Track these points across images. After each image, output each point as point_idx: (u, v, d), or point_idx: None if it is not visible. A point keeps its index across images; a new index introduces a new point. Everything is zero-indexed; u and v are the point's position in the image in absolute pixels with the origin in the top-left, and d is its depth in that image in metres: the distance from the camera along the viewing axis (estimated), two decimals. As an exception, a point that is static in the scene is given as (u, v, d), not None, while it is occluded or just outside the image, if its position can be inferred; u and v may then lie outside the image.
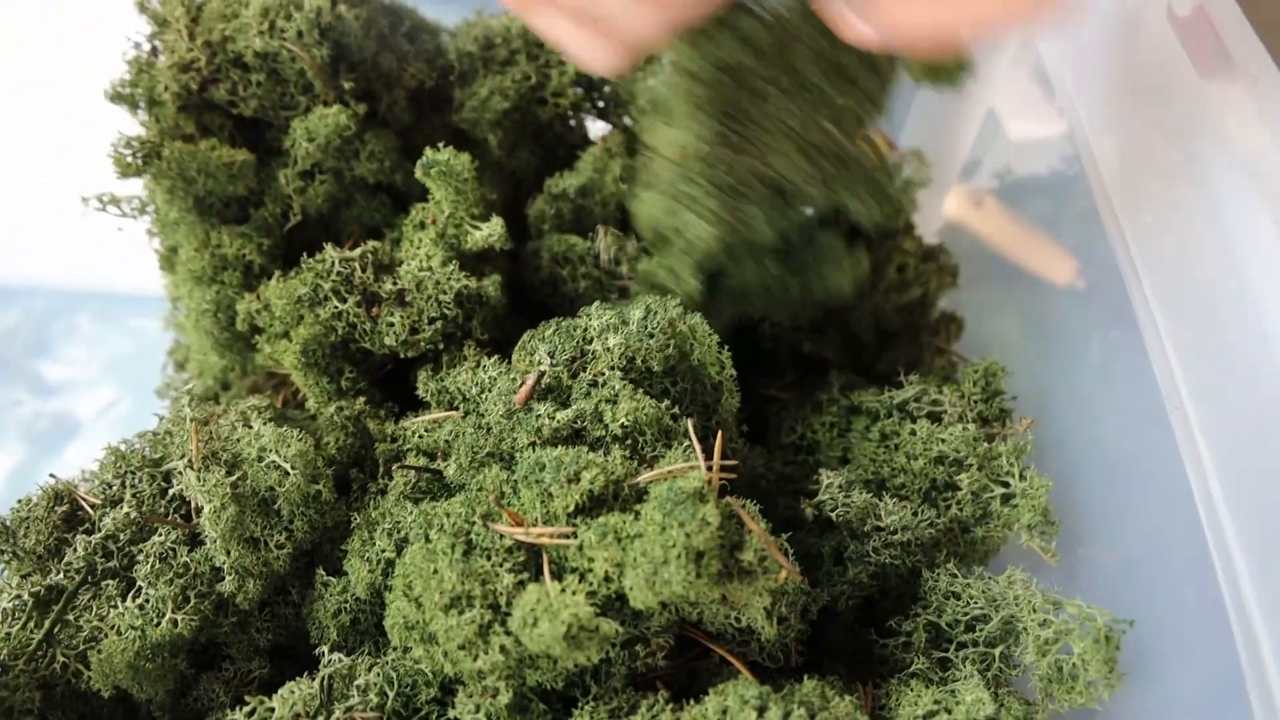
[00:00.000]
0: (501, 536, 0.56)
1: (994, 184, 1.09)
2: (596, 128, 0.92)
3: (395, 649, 0.62)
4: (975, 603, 0.64)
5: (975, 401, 0.74)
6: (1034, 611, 0.62)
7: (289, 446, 0.61)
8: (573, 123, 0.87)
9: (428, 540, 0.58)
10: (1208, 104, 0.66)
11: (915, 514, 0.68)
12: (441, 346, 0.71)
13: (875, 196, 0.72)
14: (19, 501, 0.69)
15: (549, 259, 0.78)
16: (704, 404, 0.69)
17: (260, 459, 0.63)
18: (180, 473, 0.66)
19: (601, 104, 0.87)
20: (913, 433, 0.72)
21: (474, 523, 0.57)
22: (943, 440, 0.70)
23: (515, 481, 0.59)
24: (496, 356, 0.69)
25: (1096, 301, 0.92)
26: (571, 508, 0.56)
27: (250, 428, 0.64)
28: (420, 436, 0.68)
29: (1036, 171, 1.13)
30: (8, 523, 0.67)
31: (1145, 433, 0.67)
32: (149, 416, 1.09)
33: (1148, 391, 0.65)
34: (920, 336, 0.90)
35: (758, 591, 0.56)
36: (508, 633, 0.54)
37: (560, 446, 0.60)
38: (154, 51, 0.81)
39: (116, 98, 0.79)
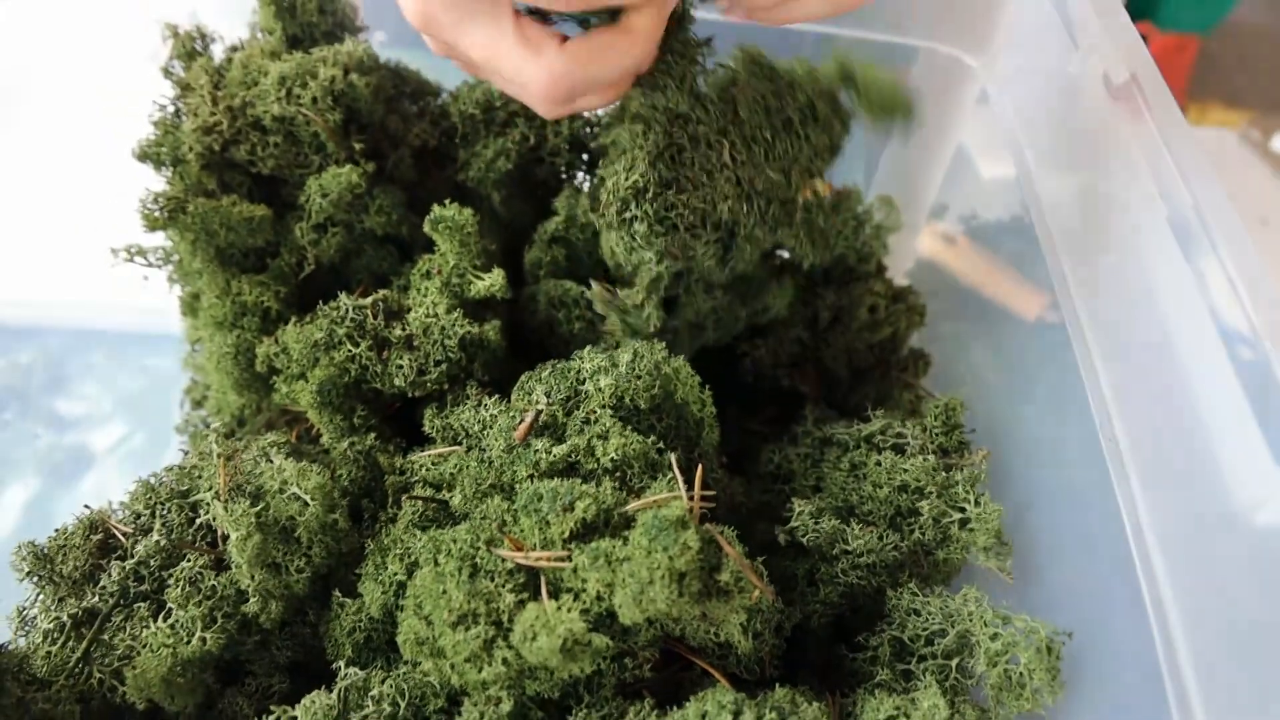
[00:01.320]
0: (503, 560, 0.63)
1: (964, 223, 1.17)
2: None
3: (406, 663, 0.68)
4: (934, 619, 0.70)
5: (936, 434, 0.81)
6: (985, 625, 0.68)
7: (308, 479, 0.67)
8: (564, 177, 0.94)
9: (436, 564, 0.64)
10: (1133, 156, 0.73)
11: (880, 538, 0.75)
12: (446, 387, 0.78)
13: (813, 239, 0.80)
14: (56, 531, 0.75)
15: (545, 303, 0.85)
16: (687, 438, 0.76)
17: (281, 491, 0.69)
18: (207, 504, 0.72)
19: (588, 158, 0.94)
20: (878, 463, 0.79)
21: (479, 548, 0.63)
22: (905, 470, 0.77)
23: (515, 510, 0.66)
24: (497, 396, 0.76)
25: (1049, 337, 0.99)
26: (567, 534, 0.63)
27: (271, 462, 0.70)
28: (427, 470, 0.74)
29: (1004, 210, 1.21)
30: (45, 550, 0.73)
31: (1085, 461, 0.73)
32: (161, 450, 1.16)
33: (1086, 422, 0.72)
34: (890, 373, 0.96)
35: (734, 609, 0.63)
36: (509, 647, 0.60)
37: (556, 479, 0.66)
38: (178, 114, 0.88)
39: (144, 156, 0.86)
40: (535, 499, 0.64)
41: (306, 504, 0.68)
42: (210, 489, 0.72)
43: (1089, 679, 0.69)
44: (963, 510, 0.76)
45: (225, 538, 0.70)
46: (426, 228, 0.80)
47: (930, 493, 0.76)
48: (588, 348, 0.75)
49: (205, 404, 0.96)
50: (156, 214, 0.82)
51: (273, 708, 0.62)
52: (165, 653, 0.66)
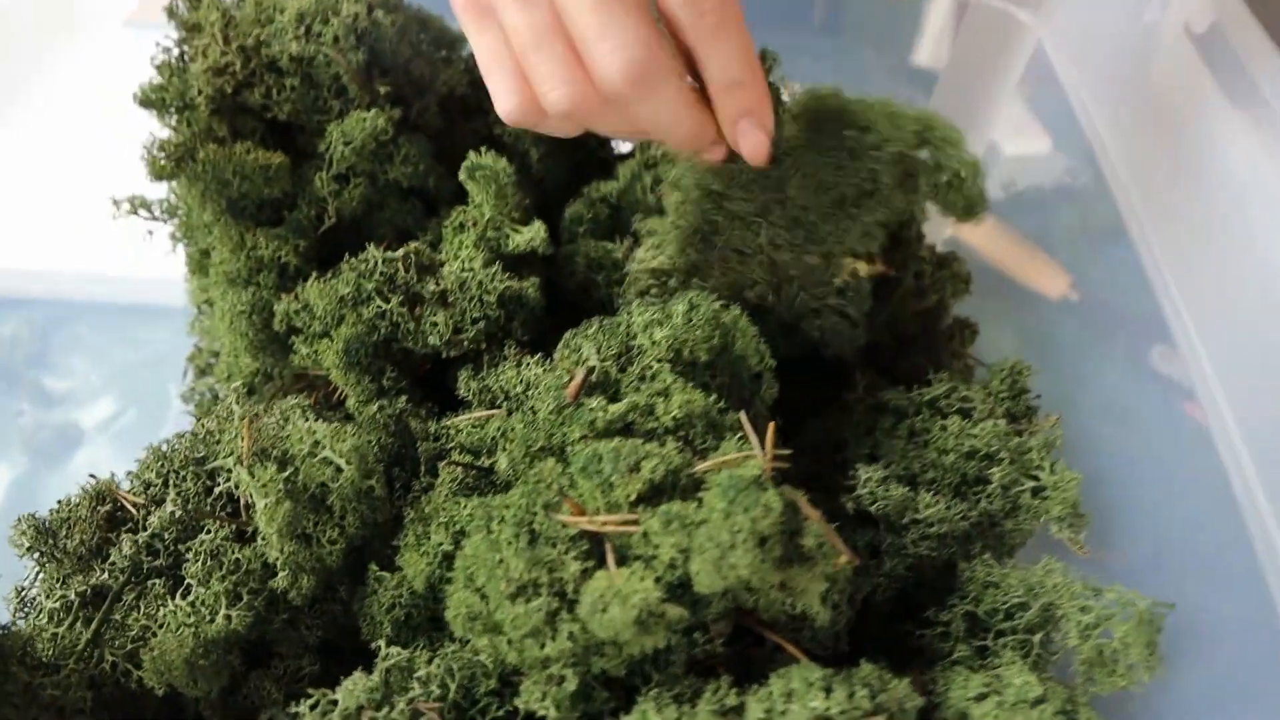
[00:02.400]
0: (564, 526, 0.57)
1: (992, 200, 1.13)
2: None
3: (453, 641, 0.62)
4: (1014, 592, 0.66)
5: (1002, 399, 0.77)
6: (1074, 598, 0.63)
7: (343, 441, 0.61)
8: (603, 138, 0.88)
9: (489, 532, 0.58)
10: (1226, 118, 0.69)
11: (948, 507, 0.70)
12: (483, 346, 0.72)
13: (839, 329, 0.76)
14: (59, 503, 0.68)
15: (584, 264, 0.79)
16: (741, 397, 0.71)
17: (312, 454, 0.63)
18: (227, 471, 0.66)
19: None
20: (944, 429, 0.74)
21: (535, 513, 0.58)
22: (974, 435, 0.72)
23: (572, 473, 0.60)
24: (540, 354, 0.70)
25: (1096, 312, 0.95)
26: (634, 496, 0.57)
27: (297, 425, 0.64)
28: (466, 434, 0.69)
29: (1032, 187, 1.17)
30: (47, 524, 0.67)
31: (1166, 432, 0.69)
32: (155, 428, 1.09)
33: (1161, 389, 0.68)
34: (936, 341, 0.92)
35: (816, 577, 0.57)
36: (575, 619, 0.54)
37: (615, 439, 0.61)
38: (183, 57, 0.81)
39: (146, 102, 0.79)
40: (595, 460, 0.59)
41: (340, 469, 0.62)
42: (230, 454, 0.66)
43: (1186, 654, 0.64)
44: (1036, 478, 0.71)
45: (249, 507, 0.64)
46: (462, 176, 0.74)
47: (1002, 459, 0.71)
48: (635, 301, 0.69)
49: (213, 370, 0.90)
50: (163, 162, 0.76)
51: (310, 690, 0.57)
52: (186, 633, 0.60)
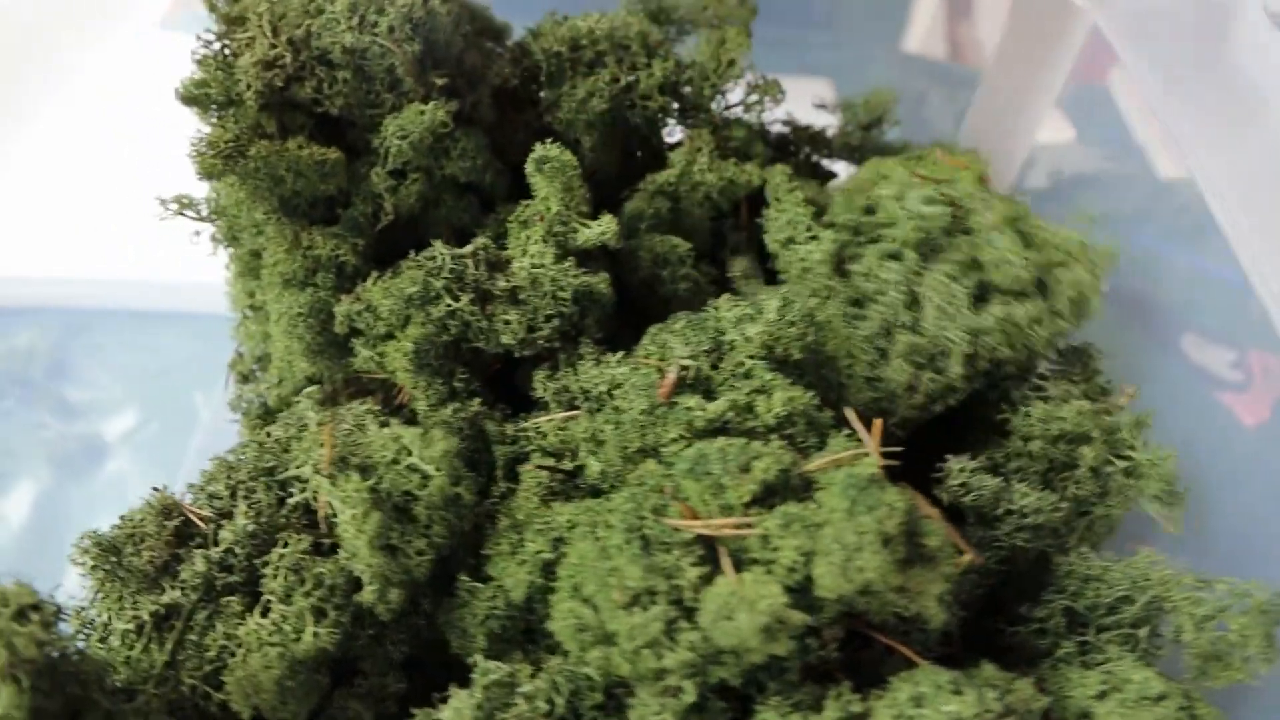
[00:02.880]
0: (676, 531, 0.55)
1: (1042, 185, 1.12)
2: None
3: (550, 654, 0.60)
4: (1118, 585, 0.64)
5: (1076, 381, 0.75)
6: (1183, 590, 0.62)
7: (432, 447, 0.59)
8: (656, 122, 0.86)
9: (596, 539, 0.56)
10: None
11: (1040, 496, 0.68)
12: (557, 344, 0.70)
13: None
14: (122, 518, 0.65)
15: (650, 259, 0.77)
16: (828, 398, 0.68)
17: (396, 462, 0.60)
18: (301, 481, 0.63)
19: (681, 108, 0.86)
20: (1026, 415, 0.72)
21: (644, 518, 0.55)
22: (1060, 419, 0.71)
23: (675, 476, 0.58)
24: (622, 353, 0.68)
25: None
26: (747, 498, 0.55)
27: (379, 431, 0.62)
28: (546, 437, 0.66)
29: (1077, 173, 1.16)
30: (113, 540, 0.63)
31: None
32: (182, 437, 1.05)
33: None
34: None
35: (936, 578, 0.55)
36: (695, 628, 0.52)
37: (721, 439, 0.58)
38: (225, 51, 0.78)
39: (189, 99, 0.76)
40: (702, 461, 0.57)
41: (429, 475, 0.59)
42: (303, 464, 0.63)
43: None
44: (1129, 457, 0.69)
45: (329, 518, 0.61)
46: (530, 168, 0.71)
47: (1094, 439, 0.70)
48: (724, 296, 0.67)
49: (256, 378, 0.86)
50: (212, 158, 0.72)
51: (414, 710, 0.54)
52: (273, 653, 0.57)
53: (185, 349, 1.13)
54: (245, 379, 0.88)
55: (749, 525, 0.54)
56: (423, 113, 0.73)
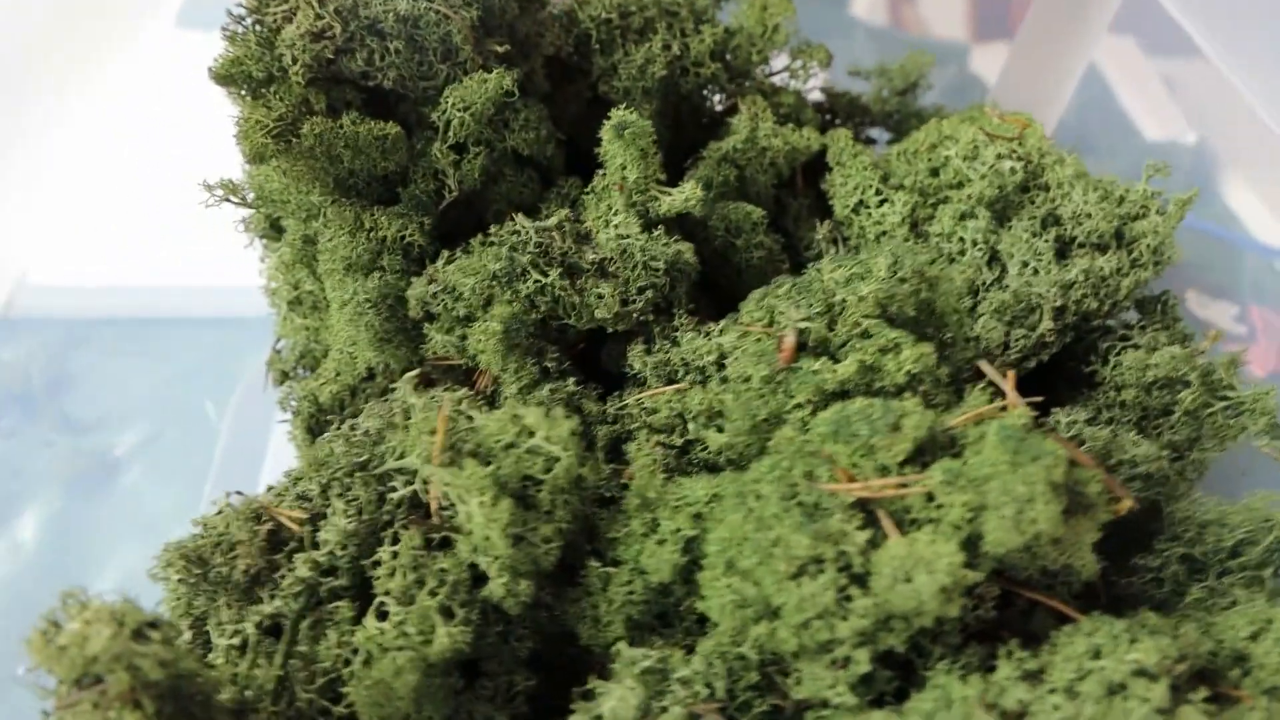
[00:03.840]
0: (833, 495, 0.52)
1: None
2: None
3: (689, 635, 0.57)
4: (1239, 528, 0.64)
5: (1161, 329, 0.75)
6: (1307, 527, 0.62)
7: (559, 426, 0.55)
8: (706, 93, 0.83)
9: (749, 509, 0.53)
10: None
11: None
12: (650, 318, 0.66)
13: None
14: (202, 526, 0.60)
15: (723, 228, 0.74)
16: (940, 355, 0.67)
17: (514, 445, 0.56)
18: (406, 473, 0.58)
19: (729, 75, 0.84)
20: (1117, 365, 0.72)
21: (796, 485, 0.53)
22: (1154, 365, 0.70)
23: (814, 441, 0.55)
24: (725, 321, 0.65)
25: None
26: (901, 457, 0.53)
27: (496, 415, 0.58)
28: (656, 413, 0.63)
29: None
30: (197, 551, 0.58)
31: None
32: (201, 446, 0.99)
33: None
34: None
35: (1093, 526, 0.54)
36: (867, 594, 0.50)
37: (855, 400, 0.56)
38: (258, 25, 0.73)
39: (226, 77, 0.70)
40: (845, 424, 0.54)
41: (554, 457, 0.55)
42: (402, 455, 0.59)
43: None
44: (1228, 397, 0.69)
45: (443, 511, 0.57)
46: (607, 135, 0.68)
47: (1191, 382, 0.69)
48: (826, 257, 0.65)
49: (297, 375, 0.81)
50: (261, 139, 0.67)
51: (574, 706, 0.50)
52: (404, 658, 0.52)
53: (190, 357, 1.07)
54: (285, 376, 0.83)
55: (910, 484, 0.52)
56: (485, 81, 0.69)
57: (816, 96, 0.94)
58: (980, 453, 0.52)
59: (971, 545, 0.51)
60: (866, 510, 0.53)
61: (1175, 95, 1.42)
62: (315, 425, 0.76)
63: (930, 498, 0.52)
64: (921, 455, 0.54)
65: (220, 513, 0.61)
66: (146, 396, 1.01)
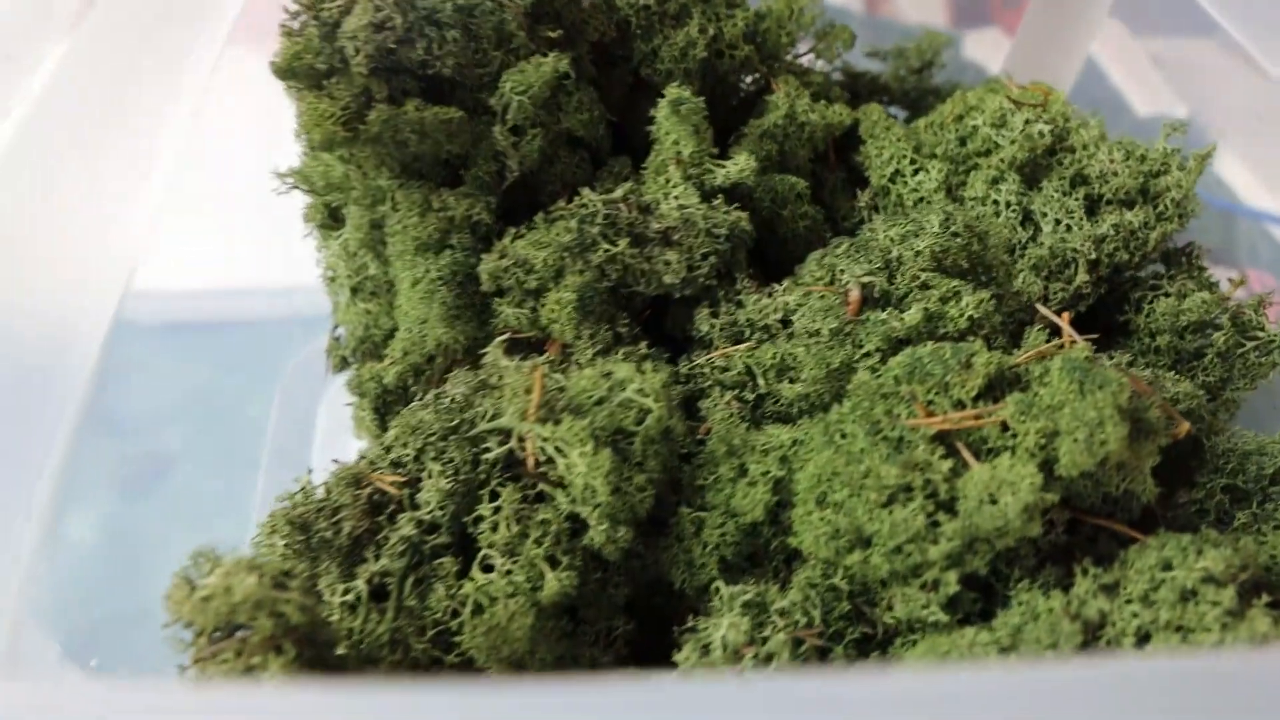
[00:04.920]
0: (914, 430, 0.56)
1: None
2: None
3: (776, 574, 0.60)
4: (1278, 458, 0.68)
5: (1186, 279, 0.79)
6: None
7: (651, 378, 0.58)
8: (738, 75, 0.87)
9: (836, 446, 0.56)
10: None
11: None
12: (714, 282, 0.70)
13: None
14: (297, 493, 0.62)
15: (769, 199, 0.78)
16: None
17: (605, 400, 0.59)
18: (499, 433, 0.61)
19: (759, 57, 0.87)
20: (1150, 312, 0.76)
21: (878, 421, 0.56)
22: (1187, 310, 0.74)
23: (890, 381, 0.59)
24: (787, 281, 0.68)
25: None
26: (975, 392, 0.57)
27: (585, 371, 0.61)
28: (728, 370, 0.66)
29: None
30: (301, 517, 0.61)
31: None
32: (251, 441, 1.01)
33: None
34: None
35: (1153, 451, 0.58)
36: (953, 518, 0.53)
37: (924, 344, 0.60)
38: (314, 20, 0.75)
39: (288, 71, 0.73)
40: (919, 364, 0.58)
41: (647, 409, 0.58)
42: (494, 416, 0.62)
43: None
44: (1256, 336, 0.74)
45: (539, 466, 0.60)
46: (663, 112, 0.71)
47: (1223, 325, 0.73)
48: (879, 218, 0.69)
49: (354, 361, 0.84)
50: (332, 127, 0.70)
51: (678, 637, 0.53)
52: (518, 603, 0.55)
53: (229, 358, 1.09)
54: (345, 362, 0.85)
55: (986, 416, 0.56)
56: (541, 65, 0.72)
57: (837, 77, 0.98)
58: (1048, 384, 0.56)
59: (1046, 469, 0.55)
60: (945, 442, 0.56)
61: (1163, 72, 1.48)
62: (382, 405, 0.79)
63: (1005, 427, 0.55)
64: (991, 390, 0.58)
65: (302, 489, 0.64)
66: (188, 397, 1.03)
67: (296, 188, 0.74)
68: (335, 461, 0.63)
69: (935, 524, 0.53)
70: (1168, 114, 1.49)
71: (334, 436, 1.02)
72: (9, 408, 0.53)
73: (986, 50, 1.64)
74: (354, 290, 0.80)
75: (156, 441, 1.00)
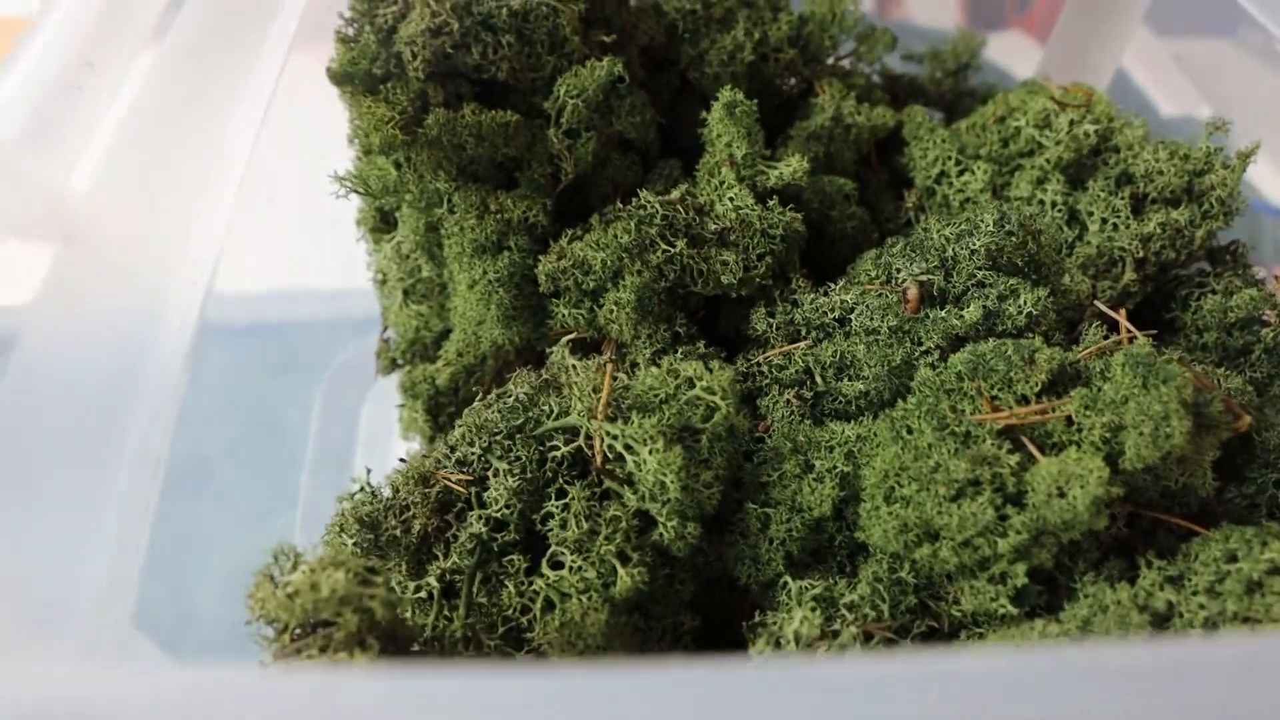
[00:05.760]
0: (980, 424, 0.57)
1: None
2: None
3: (842, 570, 0.61)
4: (1331, 448, 0.69)
5: (1232, 276, 0.80)
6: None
7: (719, 375, 0.59)
8: (781, 79, 0.88)
9: (902, 441, 0.57)
10: None
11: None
12: (770, 282, 0.71)
13: None
14: (362, 491, 0.63)
15: (818, 200, 0.79)
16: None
17: (672, 398, 0.60)
18: (566, 431, 0.62)
19: (803, 60, 0.88)
20: (1198, 309, 0.77)
21: (945, 416, 0.57)
22: (1235, 307, 0.75)
23: (949, 380, 0.59)
24: (843, 281, 0.69)
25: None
26: (1039, 387, 0.57)
27: (650, 369, 0.62)
28: (786, 369, 0.67)
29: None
30: (370, 515, 0.61)
31: None
32: (294, 442, 1.02)
33: None
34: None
35: (1214, 444, 0.59)
36: (1021, 511, 0.54)
37: (985, 340, 0.61)
38: (368, 26, 0.76)
39: (344, 77, 0.74)
40: (982, 361, 0.58)
41: (714, 406, 0.59)
42: (561, 415, 0.62)
43: None
44: (1305, 331, 0.74)
45: (606, 464, 0.61)
46: (717, 115, 0.72)
47: (1270, 320, 0.74)
48: (933, 218, 0.69)
49: (402, 364, 0.85)
50: (392, 130, 0.71)
51: (750, 633, 0.54)
52: (591, 599, 0.56)
53: (271, 360, 1.10)
54: (394, 364, 0.86)
55: (1052, 410, 0.56)
56: (596, 69, 0.73)
57: (875, 80, 0.99)
58: (1111, 379, 0.57)
59: (1111, 463, 0.56)
60: (1011, 437, 0.57)
61: (1186, 72, 1.49)
62: (434, 407, 0.80)
63: (1069, 422, 0.56)
64: (1054, 386, 0.58)
65: (362, 489, 0.64)
66: (229, 400, 1.04)
67: (354, 191, 0.75)
68: (402, 460, 0.64)
69: (1004, 517, 0.54)
70: (1192, 114, 1.50)
71: (377, 439, 1.03)
72: (104, 406, 0.54)
73: (1007, 53, 1.65)
74: (406, 293, 0.81)
75: (201, 442, 1.01)
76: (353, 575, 0.50)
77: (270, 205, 1.12)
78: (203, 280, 0.59)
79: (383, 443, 1.04)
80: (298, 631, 0.52)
